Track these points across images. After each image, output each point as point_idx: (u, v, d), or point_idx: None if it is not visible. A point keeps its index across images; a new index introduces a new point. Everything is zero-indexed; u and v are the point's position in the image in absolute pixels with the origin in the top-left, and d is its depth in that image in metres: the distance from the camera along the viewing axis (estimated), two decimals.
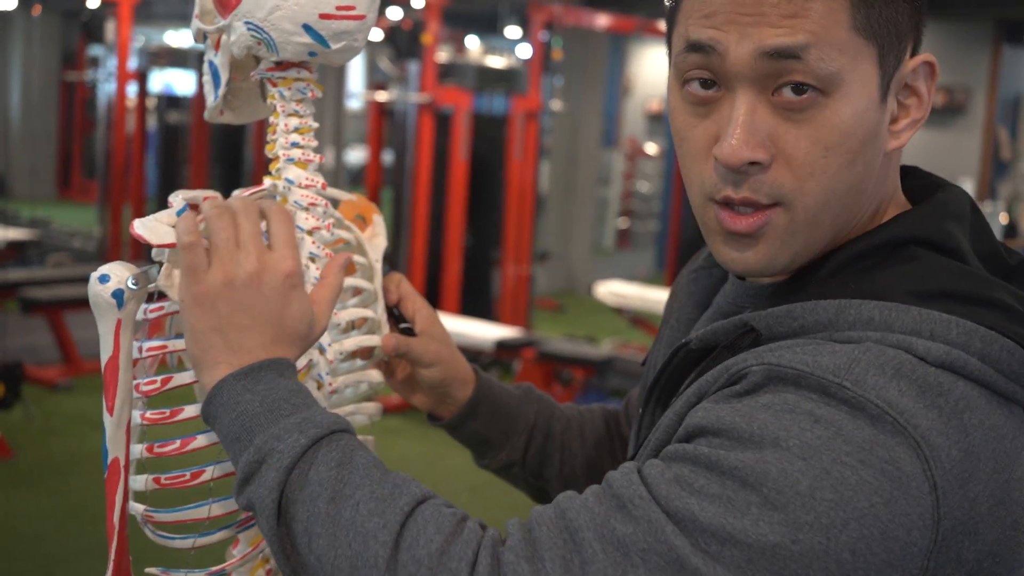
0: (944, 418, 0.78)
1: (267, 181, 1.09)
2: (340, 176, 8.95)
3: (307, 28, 1.01)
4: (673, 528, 0.77)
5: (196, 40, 1.11)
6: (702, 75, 0.86)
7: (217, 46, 1.08)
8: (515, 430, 1.25)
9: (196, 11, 1.10)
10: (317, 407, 0.92)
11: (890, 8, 0.85)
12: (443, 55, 7.55)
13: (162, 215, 1.00)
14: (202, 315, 0.93)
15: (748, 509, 0.75)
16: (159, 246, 0.98)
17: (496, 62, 8.03)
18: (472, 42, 10.21)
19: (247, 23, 1.02)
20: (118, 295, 0.97)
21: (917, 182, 0.97)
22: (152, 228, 0.99)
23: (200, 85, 1.12)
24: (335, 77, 9.25)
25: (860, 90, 0.85)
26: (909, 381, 0.78)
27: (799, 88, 0.83)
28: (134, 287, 0.98)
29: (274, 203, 1.00)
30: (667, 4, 0.93)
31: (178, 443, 1.01)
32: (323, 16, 1.01)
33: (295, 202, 1.07)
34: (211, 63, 1.09)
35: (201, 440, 1.01)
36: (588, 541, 0.79)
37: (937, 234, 0.87)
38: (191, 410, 1.00)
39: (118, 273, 0.98)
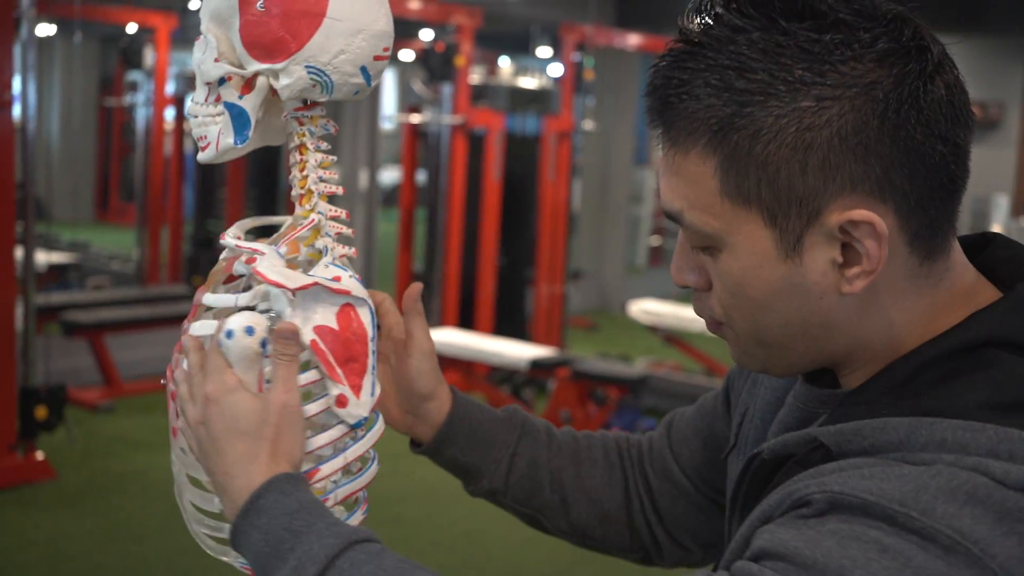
0: None
1: (313, 216, 1.11)
2: (374, 197, 9.01)
3: (363, 70, 1.06)
4: None
5: (213, 82, 1.09)
6: None
7: (246, 89, 1.08)
8: (493, 456, 1.20)
9: (214, 55, 1.08)
10: (317, 526, 0.91)
11: (774, 175, 0.81)
12: (476, 77, 7.61)
13: (275, 260, 1.05)
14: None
15: None
16: (298, 288, 1.03)
17: (528, 83, 8.08)
18: (504, 63, 10.28)
19: (308, 67, 1.05)
20: (264, 344, 1.01)
21: (1000, 254, 0.92)
22: (286, 275, 1.03)
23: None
24: (369, 99, 9.33)
25: (747, 248, 0.85)
26: (984, 507, 0.73)
27: None
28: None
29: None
30: None
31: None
32: (376, 58, 1.06)
33: (326, 233, 1.11)
34: (233, 105, 1.09)
35: (325, 469, 1.05)
36: None
37: (1020, 333, 0.83)
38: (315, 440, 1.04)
39: (258, 323, 1.01)
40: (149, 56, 8.84)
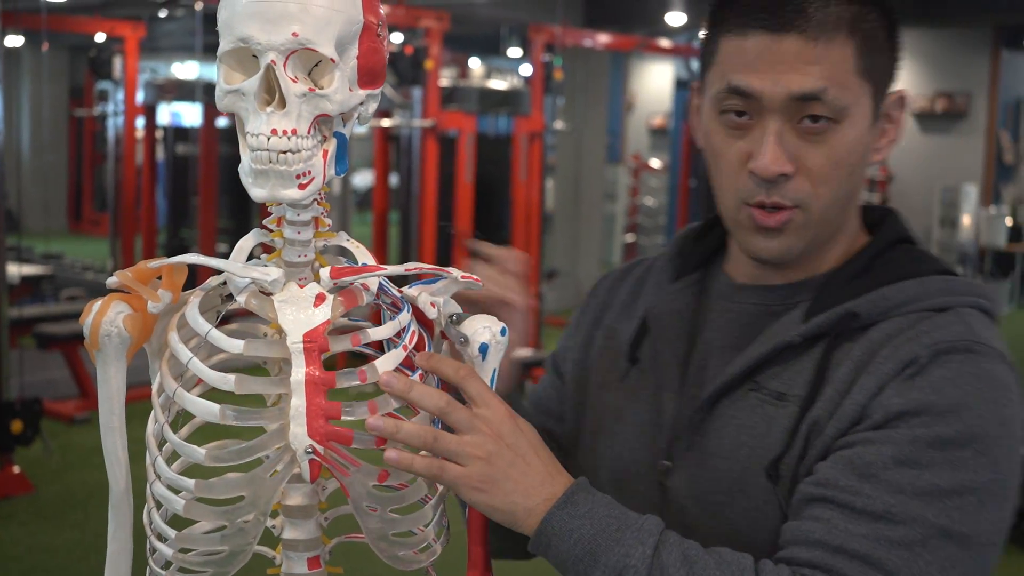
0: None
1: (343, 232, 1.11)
2: (348, 200, 9.03)
3: None
4: (932, 510, 1.00)
5: (331, 112, 1.00)
6: (738, 108, 1.12)
7: (348, 119, 1.03)
8: None
9: (347, 84, 1.00)
10: (631, 515, 1.04)
11: (884, 57, 1.14)
12: (446, 79, 7.63)
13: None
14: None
15: (966, 463, 1.02)
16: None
17: (498, 84, 8.10)
18: (474, 64, 10.30)
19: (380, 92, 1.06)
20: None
21: None
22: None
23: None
24: None
25: (860, 119, 1.12)
26: (991, 329, 1.11)
27: (816, 117, 1.10)
28: None
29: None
30: (701, 43, 1.19)
31: None
32: None
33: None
34: (341, 134, 1.03)
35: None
36: (880, 561, 0.99)
37: (911, 233, 1.21)
38: None
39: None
40: (118, 65, 8.81)
